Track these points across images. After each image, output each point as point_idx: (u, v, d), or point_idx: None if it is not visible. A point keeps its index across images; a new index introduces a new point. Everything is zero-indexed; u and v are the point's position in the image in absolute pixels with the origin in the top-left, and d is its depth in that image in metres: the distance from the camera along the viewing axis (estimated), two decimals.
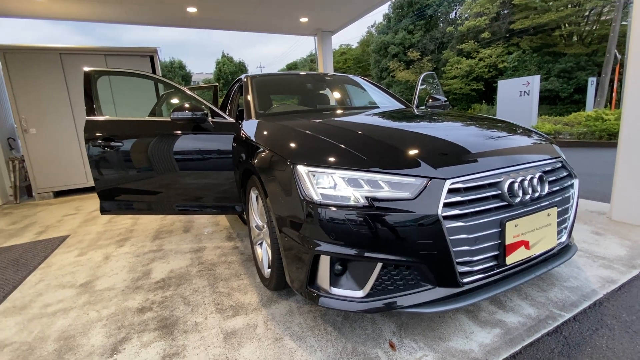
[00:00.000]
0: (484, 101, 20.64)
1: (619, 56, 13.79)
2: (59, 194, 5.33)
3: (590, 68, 17.47)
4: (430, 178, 1.31)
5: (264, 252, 1.98)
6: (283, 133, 1.85)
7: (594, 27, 18.57)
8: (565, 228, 1.65)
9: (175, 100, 3.95)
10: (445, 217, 1.27)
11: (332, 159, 1.44)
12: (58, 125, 5.05)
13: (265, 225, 1.87)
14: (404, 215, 1.27)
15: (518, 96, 9.93)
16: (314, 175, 1.40)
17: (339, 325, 1.61)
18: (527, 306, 1.67)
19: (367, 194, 1.32)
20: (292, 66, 38.72)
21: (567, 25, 18.67)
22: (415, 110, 2.63)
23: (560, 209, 1.56)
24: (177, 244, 2.88)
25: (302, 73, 3.51)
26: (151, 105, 4.03)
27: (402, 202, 1.29)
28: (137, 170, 2.59)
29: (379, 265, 1.32)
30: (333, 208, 1.33)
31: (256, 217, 2.06)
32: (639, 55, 2.44)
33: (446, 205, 1.28)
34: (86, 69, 2.64)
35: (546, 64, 18.40)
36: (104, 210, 2.68)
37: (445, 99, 3.39)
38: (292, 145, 1.66)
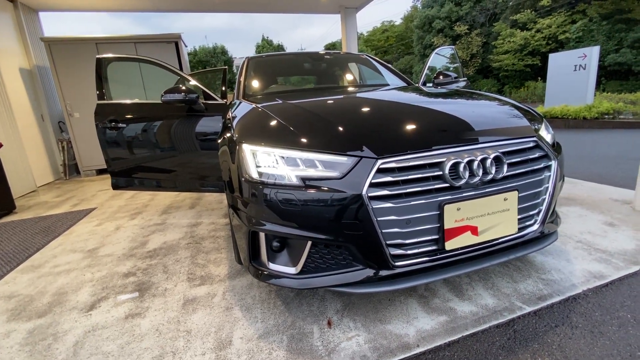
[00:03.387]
0: (539, 78, 18.58)
1: None
2: (101, 171, 5.94)
3: None
4: (361, 157, 1.26)
5: None
6: (246, 113, 1.88)
7: None
8: (537, 214, 1.50)
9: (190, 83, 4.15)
10: (373, 198, 1.23)
11: (274, 138, 1.44)
12: None
13: None
14: (330, 194, 1.25)
15: (572, 71, 8.80)
16: (256, 154, 1.42)
17: (289, 300, 1.66)
18: (487, 296, 1.56)
19: (299, 173, 1.31)
20: (331, 47, 37.96)
21: None
22: (404, 89, 2.48)
23: (525, 193, 1.41)
24: (179, 218, 3.10)
25: (304, 53, 3.46)
26: None
27: (330, 181, 1.26)
28: (143, 150, 2.81)
29: (309, 243, 1.32)
30: (267, 186, 1.34)
31: None
32: None
33: (374, 185, 1.23)
34: (98, 56, 2.88)
35: (618, 32, 15.93)
36: (116, 187, 2.96)
37: (456, 76, 3.12)
38: (246, 124, 1.69)
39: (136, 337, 1.47)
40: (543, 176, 1.48)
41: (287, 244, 1.42)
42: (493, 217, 1.35)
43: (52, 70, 5.24)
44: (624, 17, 16.14)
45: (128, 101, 2.86)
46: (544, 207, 1.50)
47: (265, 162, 1.39)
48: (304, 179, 1.30)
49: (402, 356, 1.25)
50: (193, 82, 2.79)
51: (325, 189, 1.26)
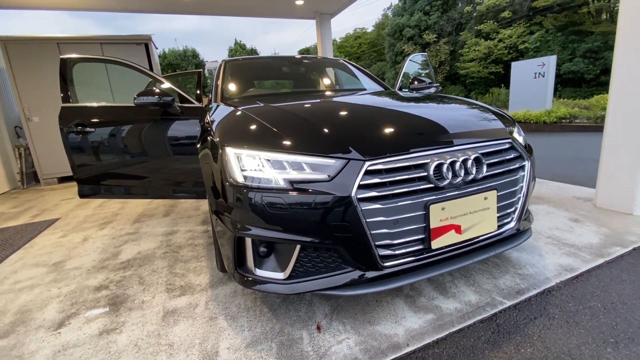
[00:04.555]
0: (502, 85, 19.69)
1: None
2: (63, 179, 5.57)
3: None
4: (349, 159, 1.27)
5: None
6: (226, 117, 1.83)
7: None
8: (514, 212, 1.57)
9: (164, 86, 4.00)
10: (362, 199, 1.23)
11: (259, 141, 1.42)
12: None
13: None
14: (320, 196, 1.24)
15: (532, 78, 9.41)
16: (240, 157, 1.38)
17: (276, 307, 1.62)
18: (470, 293, 1.61)
19: (286, 176, 1.29)
20: (305, 52, 38.22)
21: (595, 0, 17.36)
22: (383, 94, 2.54)
23: (503, 192, 1.48)
24: (153, 227, 2.96)
25: (281, 56, 3.45)
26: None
27: (319, 183, 1.26)
28: (113, 156, 2.66)
29: (298, 247, 1.30)
30: (253, 190, 1.31)
31: None
32: (625, 43, 2.24)
33: (363, 187, 1.24)
34: (62, 56, 2.71)
35: (571, 43, 17.28)
36: (83, 195, 2.78)
37: (430, 81, 3.22)
38: (228, 127, 1.65)
39: (113, 354, 1.38)
40: (518, 176, 1.55)
41: (274, 248, 1.40)
42: (475, 216, 1.40)
43: (7, 71, 4.86)
44: (576, 29, 17.54)
45: (96, 104, 2.70)
46: (519, 205, 1.58)
47: (250, 165, 1.36)
48: (291, 182, 1.28)
49: (393, 356, 1.25)
50: (167, 84, 2.69)
51: (314, 191, 1.25)
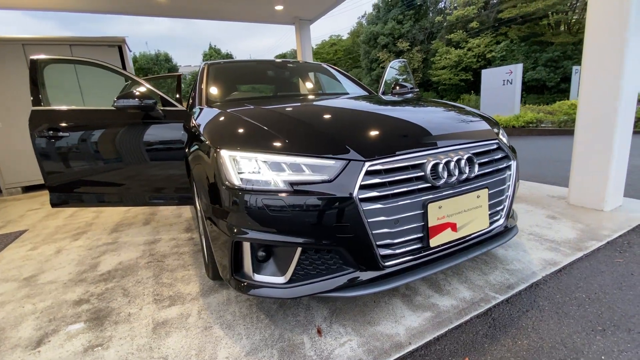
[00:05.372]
0: (472, 91, 20.61)
1: None
2: (28, 189, 5.21)
3: (577, 57, 17.47)
4: (350, 160, 1.27)
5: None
6: (217, 119, 1.79)
7: (581, 16, 18.56)
8: (502, 210, 1.63)
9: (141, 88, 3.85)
10: (363, 200, 1.24)
11: (256, 144, 1.39)
12: (24, 118, 4.88)
13: None
14: (321, 197, 1.23)
15: (501, 85, 9.93)
16: (236, 160, 1.35)
17: (273, 312, 1.58)
18: (464, 289, 1.66)
19: (286, 178, 1.28)
20: (281, 57, 38.24)
21: (554, 13, 18.65)
22: (371, 97, 2.58)
23: (493, 190, 1.54)
24: (133, 236, 2.82)
25: (265, 60, 3.43)
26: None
27: (320, 184, 1.25)
28: (89, 162, 2.52)
29: (299, 250, 1.28)
30: (252, 193, 1.28)
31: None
32: (592, 51, 2.42)
33: (364, 187, 1.25)
34: (33, 57, 2.55)
35: (533, 53, 18.40)
36: (54, 204, 2.61)
37: (412, 87, 3.31)
38: (221, 130, 1.61)
39: None
40: (505, 175, 1.62)
41: (273, 252, 1.37)
42: (469, 214, 1.45)
43: None
44: (538, 39, 18.72)
45: (72, 107, 2.55)
46: (507, 204, 1.65)
47: (247, 167, 1.33)
48: (291, 184, 1.27)
49: (397, 355, 1.26)
50: (147, 86, 2.58)
51: (316, 192, 1.24)
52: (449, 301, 1.57)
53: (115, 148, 2.49)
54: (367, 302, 1.60)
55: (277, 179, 1.28)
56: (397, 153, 1.32)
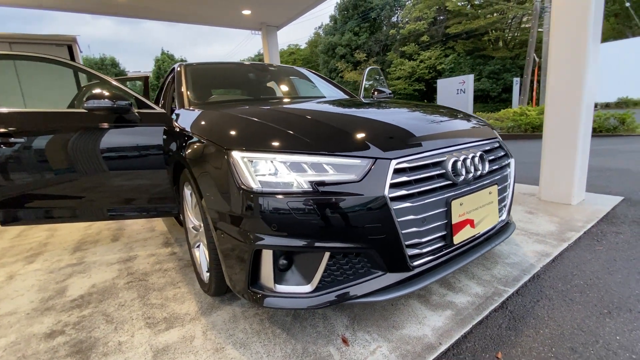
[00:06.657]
0: (425, 100, 21.95)
1: (537, 59, 15.51)
2: None
3: (514, 70, 19.46)
4: (376, 159, 1.23)
5: (202, 255, 1.76)
6: (218, 120, 1.67)
7: (516, 34, 20.76)
8: (505, 206, 1.70)
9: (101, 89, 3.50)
10: (393, 199, 1.20)
11: (272, 143, 1.30)
12: None
13: (202, 225, 1.66)
14: (351, 198, 1.17)
15: (455, 94, 10.66)
16: (251, 162, 1.25)
17: (288, 325, 1.47)
18: (474, 285, 1.68)
19: (310, 179, 1.20)
20: None
21: (493, 31, 20.63)
22: (361, 99, 2.59)
23: (499, 187, 1.59)
24: (102, 254, 2.51)
25: (245, 62, 3.30)
26: (70, 98, 3.51)
27: (348, 185, 1.19)
28: (46, 172, 2.19)
29: (327, 255, 1.21)
30: (274, 196, 1.19)
31: (192, 216, 1.84)
32: (556, 61, 2.67)
33: (393, 186, 1.21)
34: None
35: (478, 65, 20.13)
36: (4, 222, 2.23)
37: (390, 92, 3.40)
38: (228, 130, 1.49)
39: None
40: (507, 172, 1.69)
41: (295, 260, 1.27)
42: (483, 210, 1.48)
43: None
44: (481, 53, 20.53)
45: (23, 110, 2.22)
46: (509, 200, 1.72)
47: (264, 169, 1.23)
48: (317, 184, 1.19)
49: (432, 357, 1.22)
50: (120, 86, 2.34)
51: (344, 193, 1.18)
52: (464, 298, 1.58)
53: (76, 155, 2.19)
54: (386, 306, 1.55)
55: (301, 180, 1.20)
56: (421, 150, 1.31)
